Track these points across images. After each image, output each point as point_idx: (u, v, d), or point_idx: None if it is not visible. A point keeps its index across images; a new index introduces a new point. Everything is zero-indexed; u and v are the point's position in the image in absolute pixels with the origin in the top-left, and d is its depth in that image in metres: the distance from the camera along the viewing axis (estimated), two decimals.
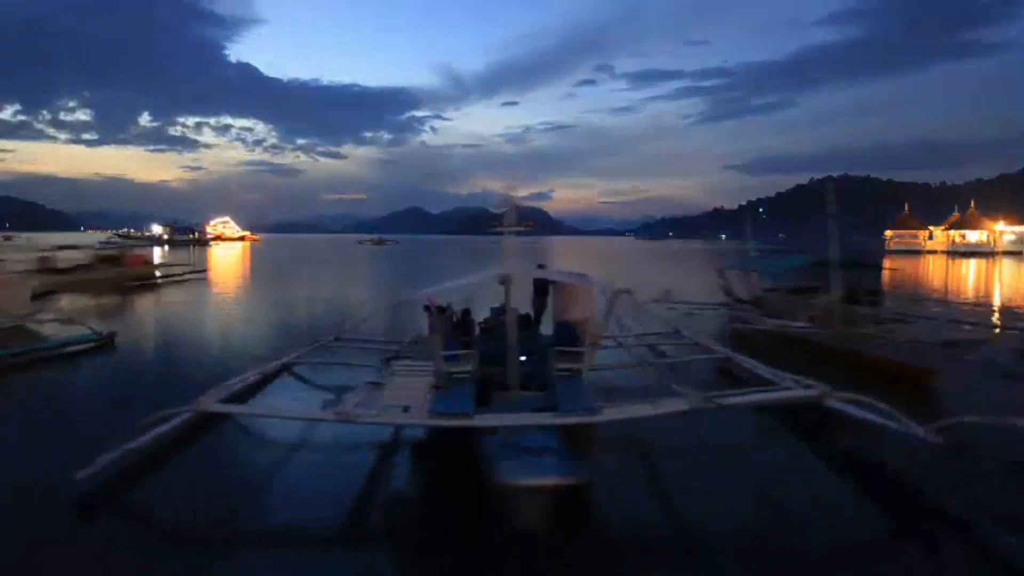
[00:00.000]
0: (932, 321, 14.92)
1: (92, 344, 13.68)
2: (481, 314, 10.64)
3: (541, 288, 11.26)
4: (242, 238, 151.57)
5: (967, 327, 15.03)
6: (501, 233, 8.47)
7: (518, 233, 8.14)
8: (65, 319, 15.33)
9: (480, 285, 10.14)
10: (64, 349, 13.24)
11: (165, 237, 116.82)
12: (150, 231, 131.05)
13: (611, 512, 6.18)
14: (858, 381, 10.29)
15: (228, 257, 66.48)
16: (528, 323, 10.56)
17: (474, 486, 6.35)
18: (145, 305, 23.15)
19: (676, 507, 6.29)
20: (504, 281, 8.64)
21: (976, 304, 24.49)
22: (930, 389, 10.18)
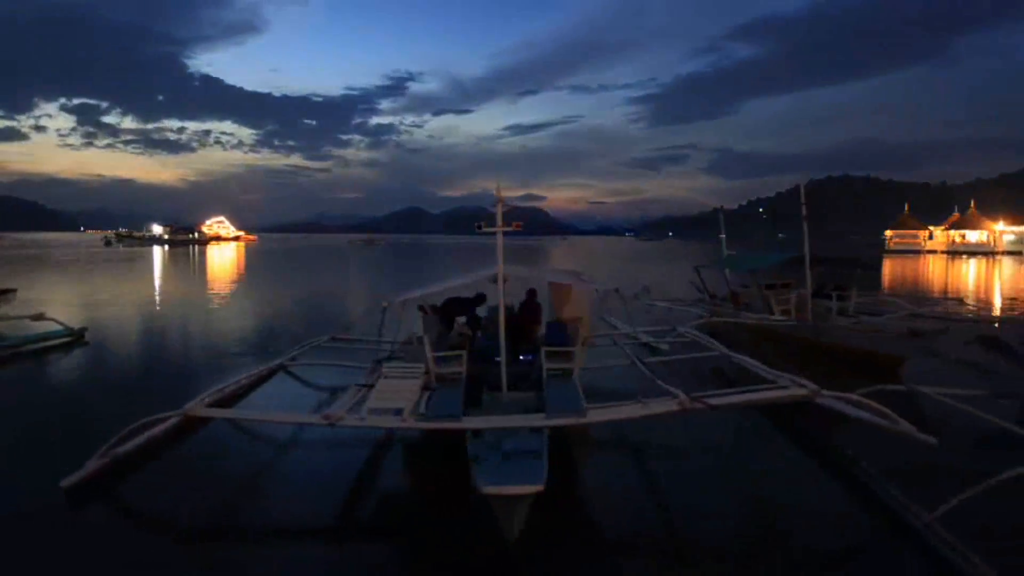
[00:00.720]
0: (896, 313, 15.99)
1: (64, 340, 14.29)
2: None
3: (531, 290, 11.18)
4: (237, 238, 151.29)
5: (930, 319, 15.99)
6: (492, 233, 8.30)
7: (506, 233, 7.99)
8: (34, 315, 15.30)
9: (473, 285, 10.02)
10: (39, 344, 13.76)
11: (166, 236, 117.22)
12: (150, 230, 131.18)
13: (595, 515, 6.10)
14: (832, 370, 10.71)
15: (214, 260, 66.46)
16: (521, 322, 10.45)
17: (458, 489, 6.24)
18: None
19: (663, 509, 6.21)
20: (495, 281, 8.51)
21: (946, 298, 25.09)
22: (900, 375, 10.27)
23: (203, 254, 73.94)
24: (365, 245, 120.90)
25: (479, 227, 8.29)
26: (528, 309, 10.77)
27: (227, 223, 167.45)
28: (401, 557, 5.42)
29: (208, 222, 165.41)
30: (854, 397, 7.35)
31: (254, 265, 55.07)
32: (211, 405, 8.27)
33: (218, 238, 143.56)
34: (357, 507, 6.26)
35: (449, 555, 5.35)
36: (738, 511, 6.10)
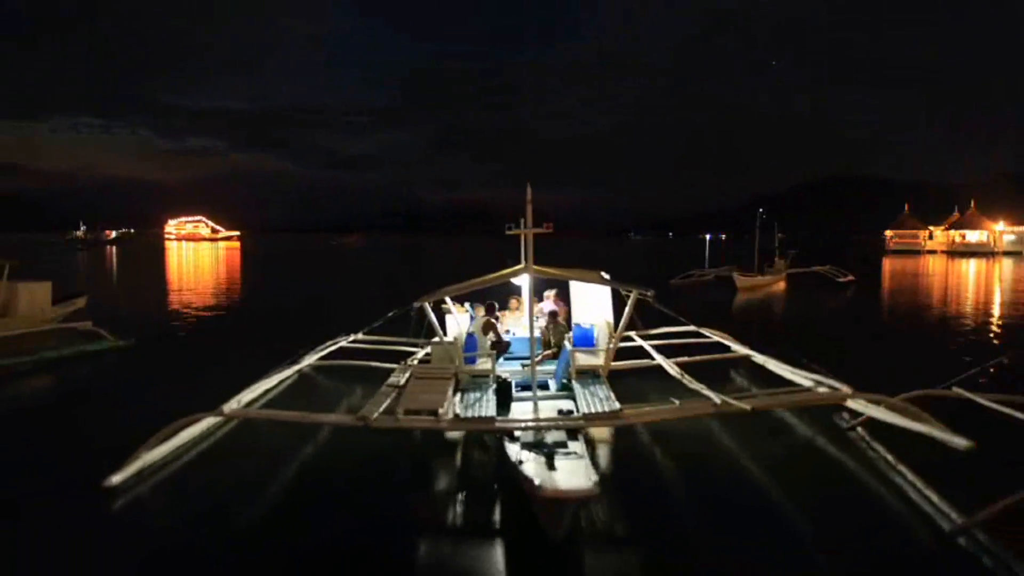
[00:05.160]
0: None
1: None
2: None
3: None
4: (213, 239, 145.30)
5: None
6: (519, 233, 8.22)
7: (537, 234, 7.86)
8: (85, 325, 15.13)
9: (499, 284, 10.07)
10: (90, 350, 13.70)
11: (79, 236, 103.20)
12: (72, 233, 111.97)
13: (634, 517, 6.03)
14: None
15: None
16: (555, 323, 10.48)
17: (498, 489, 6.36)
18: None
19: (696, 511, 6.15)
20: (521, 279, 8.47)
21: None
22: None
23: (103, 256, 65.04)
24: (344, 245, 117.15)
25: (509, 228, 8.24)
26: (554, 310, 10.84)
27: (206, 222, 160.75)
28: (437, 559, 5.40)
29: (177, 220, 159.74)
30: (888, 399, 7.28)
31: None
32: (246, 405, 8.41)
33: (191, 239, 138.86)
34: (393, 506, 6.29)
35: (487, 556, 5.33)
36: (770, 513, 6.03)
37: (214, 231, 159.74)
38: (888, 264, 55.96)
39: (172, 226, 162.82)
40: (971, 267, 51.17)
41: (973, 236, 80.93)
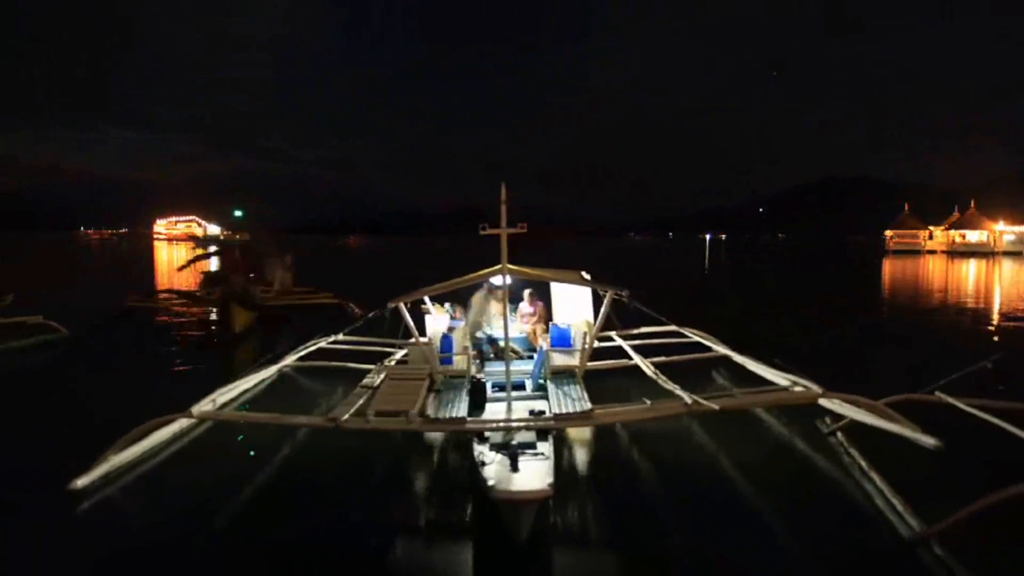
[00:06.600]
0: None
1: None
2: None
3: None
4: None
5: None
6: (494, 234, 8.24)
7: (511, 235, 7.79)
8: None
9: (476, 284, 9.98)
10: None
11: None
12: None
13: (600, 517, 6.06)
14: None
15: None
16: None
17: (469, 490, 6.30)
18: None
19: (661, 511, 6.17)
20: (498, 280, 8.54)
21: None
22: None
23: None
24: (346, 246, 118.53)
25: (483, 228, 8.36)
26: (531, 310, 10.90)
27: (199, 222, 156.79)
28: (408, 559, 5.41)
29: (167, 220, 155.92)
30: (860, 399, 7.26)
31: None
32: (217, 407, 8.29)
33: (173, 240, 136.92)
34: (362, 508, 6.24)
35: (457, 557, 5.35)
36: (739, 513, 6.03)
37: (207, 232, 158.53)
38: (888, 265, 55.85)
39: (162, 225, 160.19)
40: (971, 268, 51.04)
41: (973, 236, 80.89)
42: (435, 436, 7.94)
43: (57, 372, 12.60)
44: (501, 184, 7.31)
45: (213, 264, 25.49)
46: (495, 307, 10.93)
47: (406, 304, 9.09)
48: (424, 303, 10.05)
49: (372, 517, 6.07)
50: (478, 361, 9.45)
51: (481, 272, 9.18)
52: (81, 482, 6.25)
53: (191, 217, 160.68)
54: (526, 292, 11.31)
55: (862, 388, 7.87)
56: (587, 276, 10.83)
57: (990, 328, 19.03)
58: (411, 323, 9.32)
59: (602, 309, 9.09)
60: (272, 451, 7.60)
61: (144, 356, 14.37)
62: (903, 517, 5.63)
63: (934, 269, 49.40)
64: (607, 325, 9.58)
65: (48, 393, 10.89)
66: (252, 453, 7.66)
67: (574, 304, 10.70)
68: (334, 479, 6.92)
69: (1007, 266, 51.72)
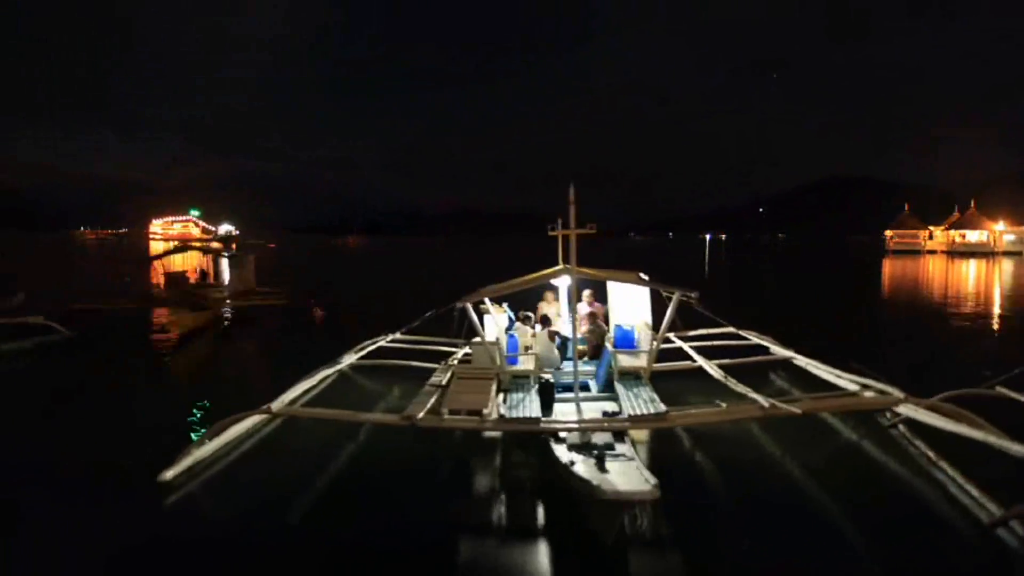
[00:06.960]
0: None
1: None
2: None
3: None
4: (205, 240, 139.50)
5: None
6: (564, 235, 8.30)
7: (580, 236, 7.75)
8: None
9: (539, 284, 9.97)
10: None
11: None
12: None
13: (679, 522, 5.86)
14: None
15: None
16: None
17: (542, 490, 6.34)
18: None
19: (742, 516, 6.01)
20: (559, 280, 8.51)
21: None
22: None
23: None
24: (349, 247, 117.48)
25: (551, 228, 8.37)
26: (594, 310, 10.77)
27: (197, 223, 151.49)
28: (484, 558, 5.36)
29: (160, 221, 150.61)
30: (940, 404, 7.13)
31: None
32: (292, 403, 8.47)
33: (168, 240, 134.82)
34: (437, 506, 6.29)
35: (534, 557, 5.29)
36: (814, 515, 5.95)
37: (205, 231, 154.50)
38: (888, 266, 55.75)
39: (158, 225, 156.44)
40: (971, 268, 50.90)
41: (973, 236, 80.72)
42: (496, 434, 7.85)
43: (57, 373, 12.60)
44: (569, 186, 7.27)
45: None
46: (554, 308, 10.90)
47: (470, 304, 9.16)
48: (484, 303, 10.02)
49: (443, 515, 6.09)
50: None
51: (544, 272, 9.19)
52: (170, 474, 6.47)
53: (187, 217, 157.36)
54: (585, 293, 11.13)
55: (914, 385, 7.86)
56: (644, 277, 10.71)
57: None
58: (477, 323, 9.35)
59: (669, 311, 8.97)
60: (338, 447, 7.67)
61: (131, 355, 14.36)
62: (979, 502, 5.65)
63: (934, 269, 49.30)
64: (668, 326, 9.45)
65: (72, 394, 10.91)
66: (322, 449, 7.68)
67: (632, 305, 10.61)
68: (402, 476, 6.95)
69: (1007, 266, 51.61)
